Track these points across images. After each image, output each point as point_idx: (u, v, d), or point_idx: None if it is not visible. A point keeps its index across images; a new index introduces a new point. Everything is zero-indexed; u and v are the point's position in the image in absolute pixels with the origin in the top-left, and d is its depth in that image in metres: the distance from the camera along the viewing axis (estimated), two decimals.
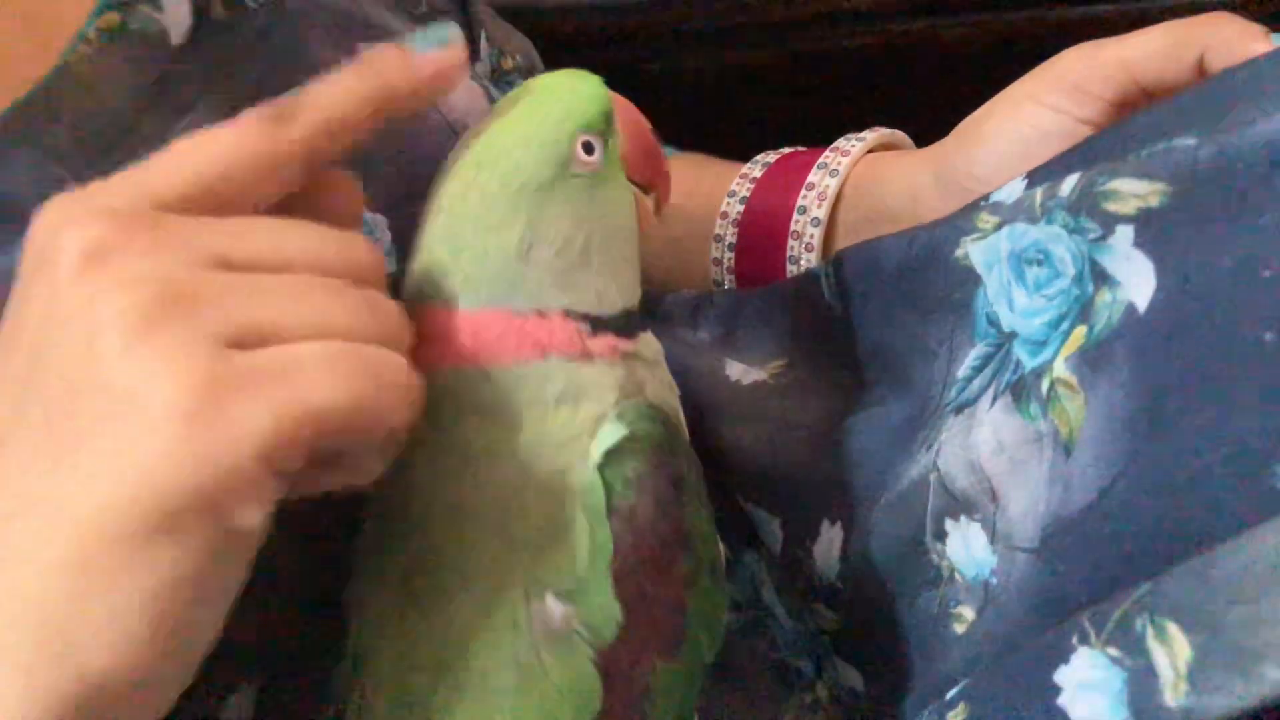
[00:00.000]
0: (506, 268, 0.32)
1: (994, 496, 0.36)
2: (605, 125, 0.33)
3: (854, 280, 0.44)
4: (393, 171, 0.33)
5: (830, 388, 0.45)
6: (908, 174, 0.49)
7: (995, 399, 0.37)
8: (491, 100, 0.48)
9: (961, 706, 0.33)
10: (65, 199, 0.27)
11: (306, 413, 0.25)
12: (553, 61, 0.40)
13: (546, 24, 0.79)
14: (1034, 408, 0.35)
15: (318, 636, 0.35)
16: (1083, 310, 0.35)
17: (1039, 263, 0.36)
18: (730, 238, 0.53)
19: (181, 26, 0.37)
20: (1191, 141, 0.33)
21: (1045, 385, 0.35)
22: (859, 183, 0.51)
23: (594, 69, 0.34)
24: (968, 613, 0.37)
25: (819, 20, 0.79)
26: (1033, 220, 0.37)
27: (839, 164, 0.51)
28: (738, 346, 0.49)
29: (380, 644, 0.32)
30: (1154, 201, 0.33)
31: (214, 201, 0.27)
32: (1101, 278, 0.34)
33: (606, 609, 0.31)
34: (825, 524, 0.43)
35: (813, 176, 0.51)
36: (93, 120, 0.34)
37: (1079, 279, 0.35)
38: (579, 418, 0.32)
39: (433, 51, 0.31)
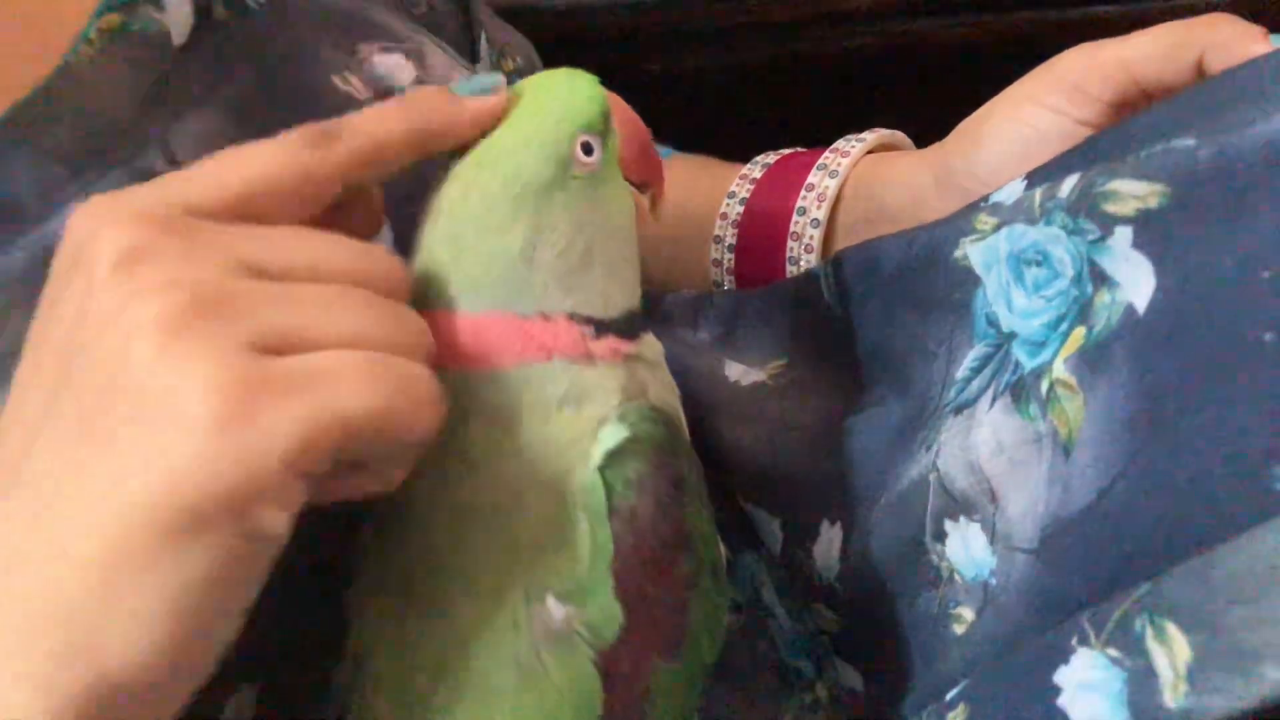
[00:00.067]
0: (509, 271, 0.32)
1: (993, 497, 0.36)
2: (604, 125, 0.33)
3: (853, 281, 0.44)
4: (396, 175, 0.33)
5: (830, 388, 0.45)
6: (907, 175, 0.49)
7: (995, 400, 0.37)
8: None
9: (961, 707, 0.33)
10: (101, 200, 0.27)
11: (335, 419, 0.25)
12: (552, 62, 0.40)
13: (546, 24, 0.79)
14: (1033, 408, 0.36)
15: (318, 637, 0.35)
16: (1082, 311, 0.35)
17: (1038, 263, 0.36)
18: (730, 238, 0.53)
19: (183, 27, 0.37)
20: (1191, 142, 0.33)
21: (1045, 386, 0.35)
22: (859, 184, 0.51)
23: (594, 69, 0.34)
24: (967, 613, 0.37)
25: (819, 21, 0.79)
26: (1032, 221, 0.37)
27: (839, 165, 0.51)
28: (737, 347, 0.49)
29: (381, 645, 0.33)
30: (1153, 202, 0.33)
31: (248, 215, 0.28)
32: (1100, 279, 0.34)
33: (607, 610, 0.31)
34: (825, 524, 0.43)
35: (812, 177, 0.51)
36: (94, 121, 0.34)
37: (1078, 280, 0.35)
38: (581, 419, 0.32)
39: (475, 97, 0.32)
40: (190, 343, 0.25)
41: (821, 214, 0.50)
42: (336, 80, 0.40)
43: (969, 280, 0.39)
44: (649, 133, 0.36)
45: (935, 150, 0.49)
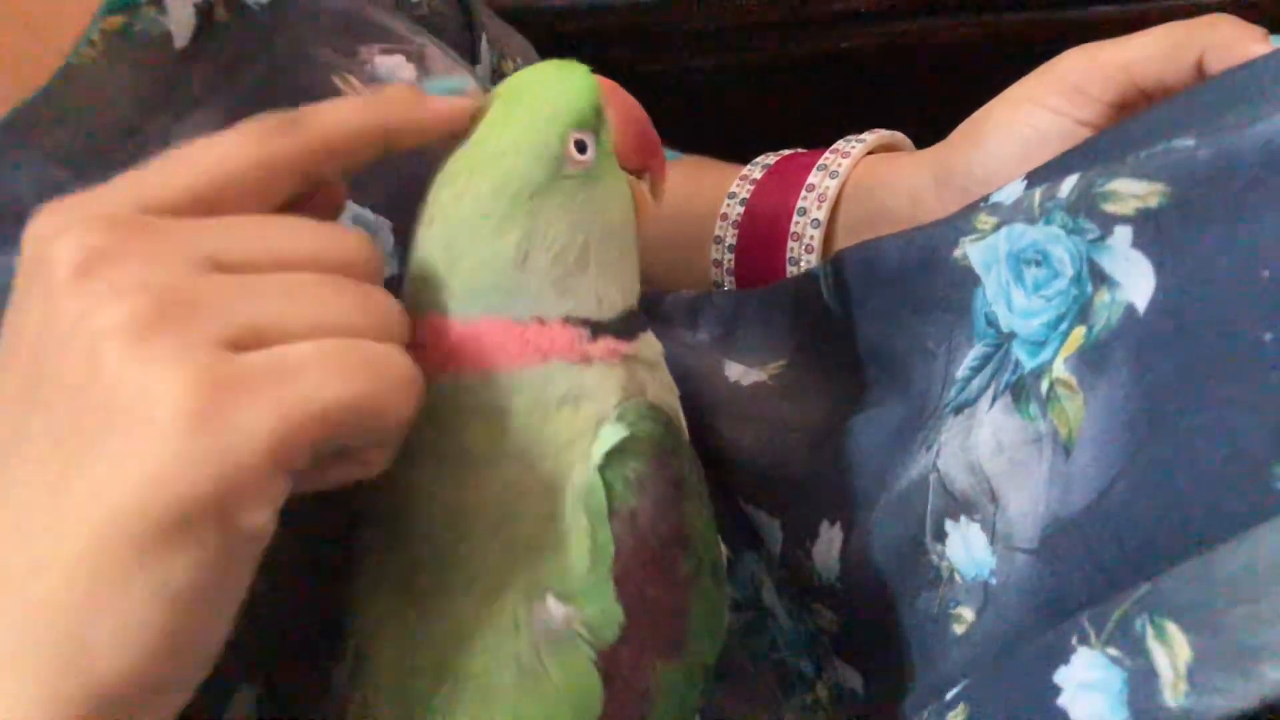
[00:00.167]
0: (505, 276, 0.31)
1: (993, 497, 0.36)
2: (596, 120, 0.33)
3: (853, 281, 0.44)
4: (396, 174, 0.33)
5: (830, 388, 0.45)
6: (907, 175, 0.49)
7: (995, 399, 0.37)
8: None
9: (961, 707, 0.33)
10: (57, 206, 0.27)
11: (310, 412, 0.25)
12: None
13: (546, 24, 0.79)
14: (1033, 408, 0.36)
15: (318, 637, 0.35)
16: (1082, 311, 0.35)
17: (1037, 263, 0.36)
18: (730, 239, 0.53)
19: (185, 29, 0.37)
20: (1190, 142, 0.33)
21: (1045, 386, 0.35)
22: (859, 184, 0.51)
23: (594, 69, 0.34)
24: (967, 613, 0.37)
25: (819, 21, 0.79)
26: (1031, 221, 0.37)
27: (839, 165, 0.51)
28: (737, 347, 0.49)
29: (381, 645, 0.33)
30: (1153, 202, 0.33)
31: (208, 208, 0.27)
32: (1100, 278, 0.34)
33: (608, 610, 0.31)
34: (825, 525, 0.43)
35: (812, 178, 0.51)
36: (97, 122, 0.34)
37: (1078, 279, 0.35)
38: (579, 419, 0.32)
39: (443, 96, 0.31)
40: (158, 345, 0.24)
41: (822, 214, 0.50)
42: (337, 81, 0.40)
43: (968, 280, 0.39)
44: (646, 115, 0.35)
45: (935, 151, 0.49)
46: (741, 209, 0.53)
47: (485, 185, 0.32)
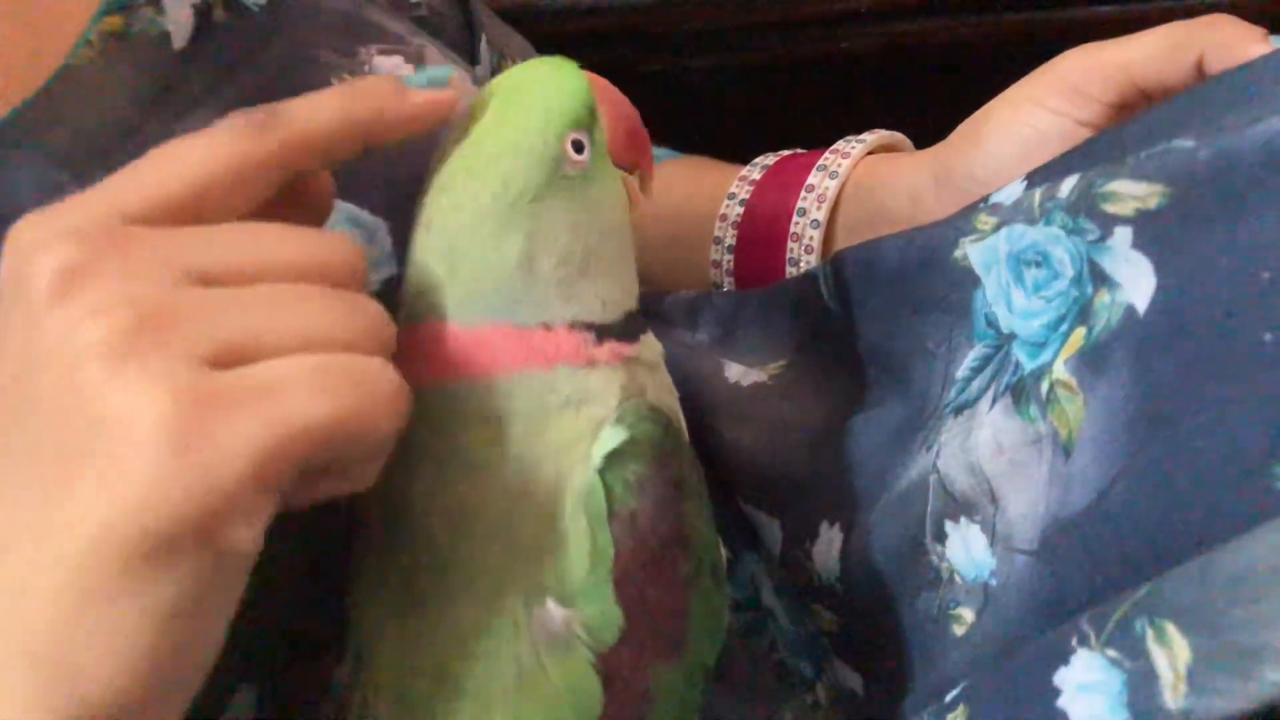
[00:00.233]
0: (508, 282, 0.31)
1: (993, 498, 0.36)
2: (590, 119, 0.33)
3: (853, 281, 0.44)
4: (393, 176, 0.33)
5: (829, 389, 0.45)
6: (907, 176, 0.49)
7: (995, 400, 0.37)
8: None
9: (961, 708, 0.33)
10: (35, 219, 0.26)
11: (294, 430, 0.25)
12: None
13: (546, 25, 0.79)
14: (1033, 409, 0.36)
15: (318, 637, 0.35)
16: (1082, 312, 0.35)
17: (1038, 264, 0.36)
18: (729, 239, 0.53)
19: (184, 30, 0.37)
20: (1190, 143, 0.33)
21: (1045, 387, 0.35)
22: (858, 185, 0.51)
23: (594, 69, 0.34)
24: (967, 614, 0.37)
25: (819, 22, 0.79)
26: (1031, 221, 0.37)
27: (838, 166, 0.51)
28: (737, 348, 0.49)
29: (381, 647, 0.32)
30: (1153, 203, 0.33)
31: (187, 214, 0.27)
32: (1100, 279, 0.34)
33: (607, 612, 0.31)
34: (824, 525, 0.43)
35: (812, 178, 0.51)
36: (95, 124, 0.34)
37: (1078, 280, 0.35)
38: (580, 422, 0.32)
39: (425, 90, 0.31)
40: (138, 364, 0.24)
41: (821, 215, 0.50)
42: (335, 82, 0.40)
43: (968, 280, 0.39)
44: (635, 111, 0.35)
45: (935, 151, 0.49)
46: (741, 209, 0.53)
47: (485, 189, 0.31)
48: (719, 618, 0.34)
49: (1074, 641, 0.30)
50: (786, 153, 0.55)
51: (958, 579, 0.38)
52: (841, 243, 0.51)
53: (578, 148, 0.32)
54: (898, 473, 0.40)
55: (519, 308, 0.31)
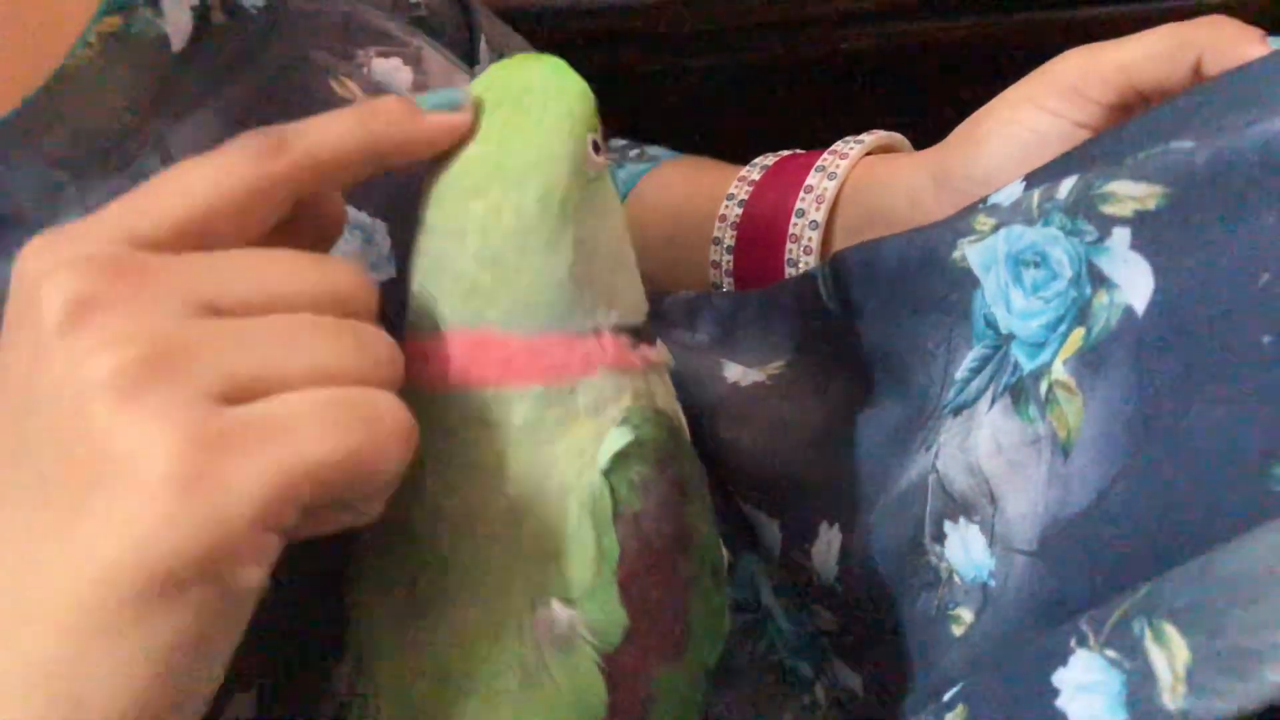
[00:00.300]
0: (561, 290, 0.31)
1: (992, 498, 0.36)
2: (598, 119, 0.33)
3: (852, 282, 0.44)
4: (392, 178, 0.32)
5: (829, 389, 0.45)
6: (906, 177, 0.49)
7: (994, 401, 0.37)
8: None
9: (960, 709, 0.33)
10: (44, 243, 0.26)
11: (302, 471, 0.25)
12: None
13: (546, 26, 0.79)
14: (1032, 409, 0.36)
15: (318, 640, 0.35)
16: (1080, 312, 0.35)
17: (1036, 265, 0.36)
18: (728, 240, 0.53)
19: (182, 31, 0.37)
20: (1189, 144, 0.33)
21: (1044, 387, 0.35)
22: (857, 185, 0.51)
23: (594, 70, 0.34)
24: (966, 615, 0.37)
25: (819, 21, 0.79)
26: (1030, 222, 0.37)
27: (837, 167, 0.51)
28: (736, 348, 0.49)
29: (383, 649, 0.33)
30: (1151, 204, 0.33)
31: (197, 238, 0.27)
32: (1099, 280, 0.34)
33: (612, 613, 0.31)
34: (824, 526, 0.43)
35: (811, 179, 0.51)
36: (93, 124, 0.34)
37: (1076, 281, 0.35)
38: (596, 425, 0.32)
39: (438, 111, 0.31)
40: (147, 400, 0.24)
41: (820, 216, 0.50)
42: (334, 85, 0.40)
43: (967, 281, 0.39)
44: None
45: (933, 152, 0.49)
46: (740, 210, 0.53)
47: (526, 199, 0.31)
48: (720, 619, 0.34)
49: (1072, 642, 0.30)
50: (786, 153, 0.55)
51: (957, 579, 0.38)
52: (840, 243, 0.51)
53: (596, 148, 0.32)
54: (897, 473, 0.40)
55: (573, 315, 0.31)
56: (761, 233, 0.52)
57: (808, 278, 0.46)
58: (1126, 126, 0.37)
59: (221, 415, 0.24)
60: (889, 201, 0.49)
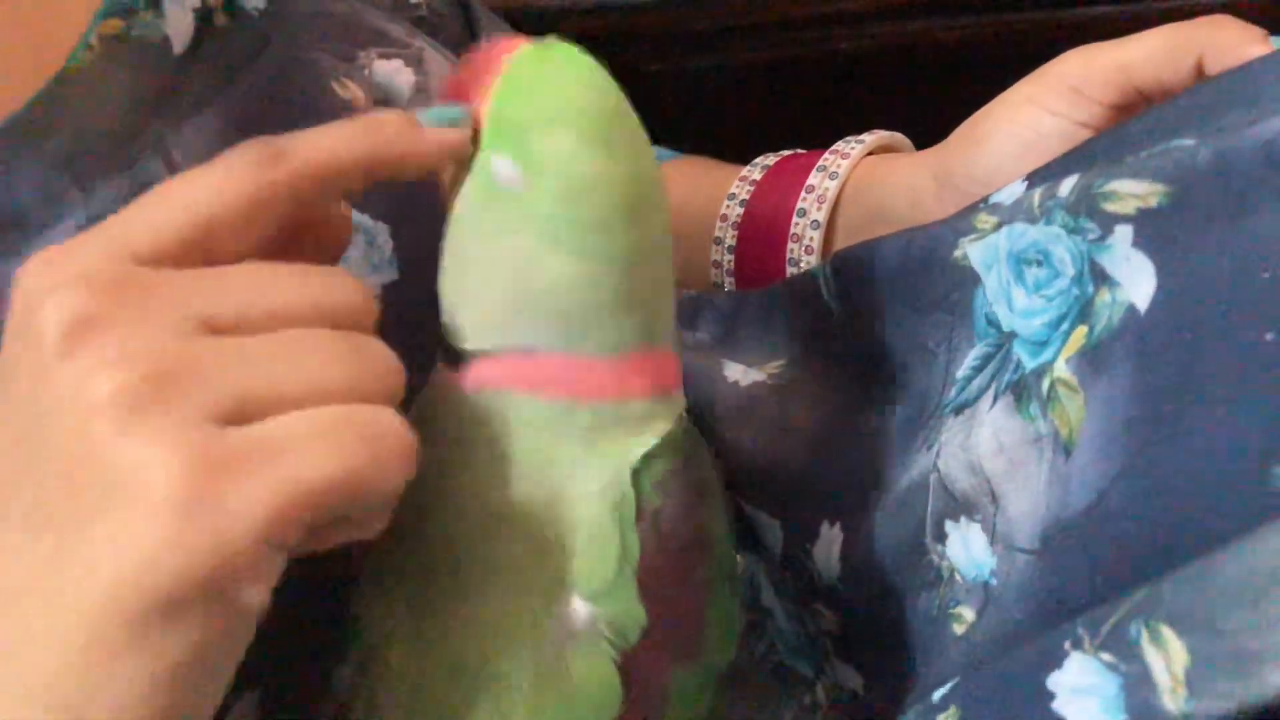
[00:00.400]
0: (670, 305, 0.32)
1: (994, 497, 0.36)
2: None
3: (853, 281, 0.44)
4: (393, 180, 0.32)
5: (829, 389, 0.45)
6: (907, 176, 0.49)
7: (996, 399, 0.37)
8: None
9: (952, 710, 0.33)
10: (44, 261, 0.26)
11: (303, 491, 0.25)
12: None
13: (547, 25, 0.79)
14: (1034, 408, 0.36)
15: (320, 640, 0.35)
16: (1083, 311, 0.35)
17: (1038, 263, 0.36)
18: (730, 240, 0.53)
19: (183, 34, 0.37)
20: (1190, 143, 0.33)
21: (1046, 386, 0.35)
22: (858, 185, 0.51)
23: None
24: (967, 614, 0.37)
25: (819, 21, 0.79)
26: (1032, 220, 0.37)
27: (838, 167, 0.51)
28: (737, 348, 0.49)
29: (394, 643, 0.33)
30: (1153, 202, 0.33)
31: (198, 251, 0.27)
32: (1101, 278, 0.34)
33: (631, 611, 0.31)
34: (825, 525, 0.43)
35: (812, 179, 0.51)
36: (95, 127, 0.34)
37: (1078, 279, 0.35)
38: (628, 438, 0.32)
39: (439, 128, 0.30)
40: (148, 422, 0.24)
41: (821, 215, 0.50)
42: (336, 87, 0.40)
43: (969, 280, 0.39)
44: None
45: (935, 152, 0.49)
46: (741, 210, 0.53)
47: (650, 223, 0.31)
48: (734, 621, 0.34)
49: (1067, 645, 0.30)
50: (786, 153, 0.55)
51: (958, 578, 0.38)
52: (841, 243, 0.51)
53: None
54: (898, 472, 0.40)
55: (667, 332, 0.32)
56: (763, 232, 0.52)
57: (809, 277, 0.46)
58: (1128, 125, 0.37)
59: (223, 436, 0.24)
60: (890, 201, 0.49)
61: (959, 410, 0.39)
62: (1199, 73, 0.42)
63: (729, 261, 0.54)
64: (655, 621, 0.31)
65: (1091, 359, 0.34)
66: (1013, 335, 0.37)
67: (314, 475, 0.25)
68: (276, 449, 0.25)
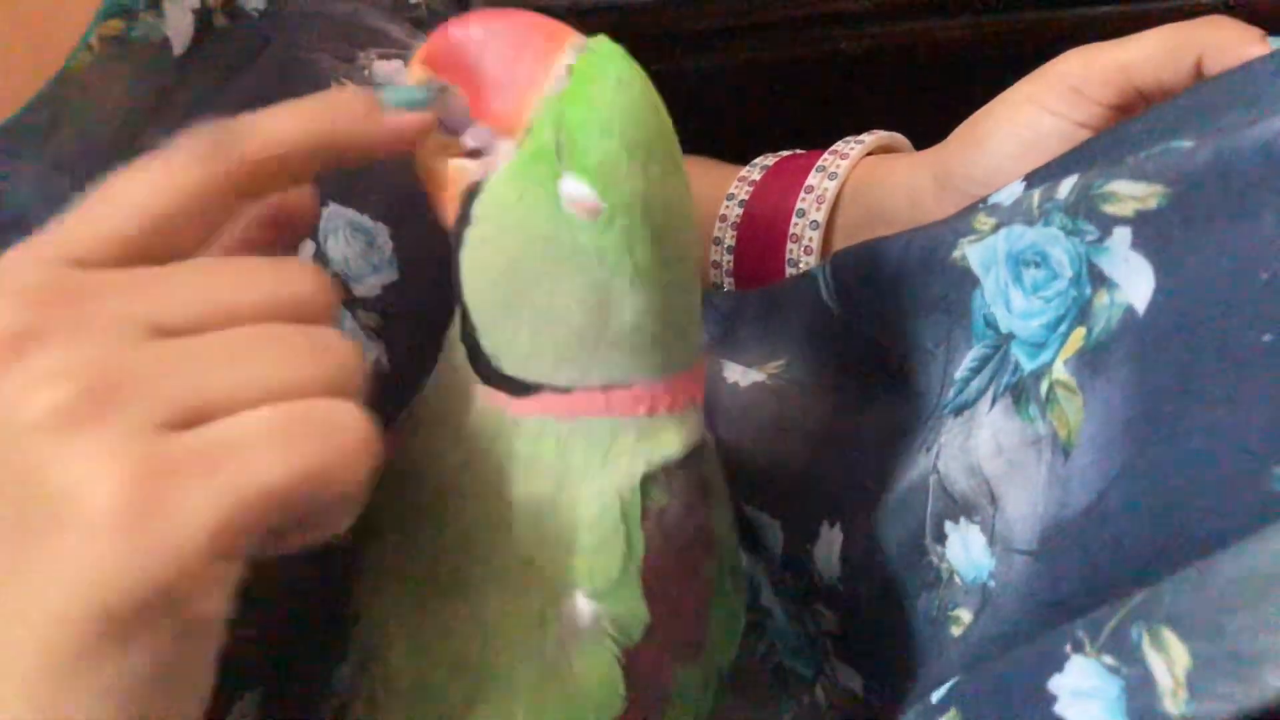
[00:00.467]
0: (701, 331, 0.33)
1: (993, 499, 0.36)
2: None
3: (852, 282, 0.44)
4: (393, 180, 0.32)
5: (829, 389, 0.45)
6: (906, 177, 0.49)
7: (995, 401, 0.37)
8: None
9: (953, 711, 0.33)
10: None
11: (254, 494, 0.24)
12: None
13: None
14: (1033, 409, 0.36)
15: (320, 641, 0.35)
16: (1081, 312, 0.35)
17: (1036, 264, 0.36)
18: (729, 240, 0.53)
19: (183, 35, 0.37)
20: (1189, 144, 0.33)
21: (1044, 387, 0.35)
22: (858, 185, 0.51)
23: None
24: (965, 615, 0.37)
25: (819, 21, 0.79)
26: (1030, 222, 0.37)
27: (838, 167, 0.51)
28: (736, 348, 0.49)
29: (396, 640, 0.33)
30: (1152, 203, 0.33)
31: (144, 251, 0.26)
32: (1100, 279, 0.34)
33: (635, 609, 0.31)
34: (825, 526, 0.43)
35: (811, 179, 0.51)
36: (95, 128, 0.34)
37: (1077, 281, 0.35)
38: (637, 451, 0.32)
39: (401, 110, 0.29)
40: (88, 436, 0.23)
41: (820, 216, 0.50)
42: (336, 87, 0.40)
43: (967, 281, 0.39)
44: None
45: (934, 152, 0.49)
46: (740, 210, 0.53)
47: (682, 249, 0.31)
48: (737, 621, 0.34)
49: (1068, 648, 0.30)
50: (786, 153, 0.55)
51: (957, 580, 0.38)
52: (840, 243, 0.51)
53: None
54: (898, 473, 0.40)
55: (697, 354, 0.33)
56: (762, 232, 0.52)
57: (808, 277, 0.46)
58: (1127, 126, 0.37)
59: (167, 443, 0.23)
60: (889, 201, 0.49)
61: (958, 411, 0.39)
62: (1198, 73, 0.42)
63: (728, 262, 0.54)
64: (658, 620, 0.31)
65: (1090, 360, 0.34)
66: (1010, 336, 0.37)
67: (265, 477, 0.24)
68: (224, 453, 0.24)
